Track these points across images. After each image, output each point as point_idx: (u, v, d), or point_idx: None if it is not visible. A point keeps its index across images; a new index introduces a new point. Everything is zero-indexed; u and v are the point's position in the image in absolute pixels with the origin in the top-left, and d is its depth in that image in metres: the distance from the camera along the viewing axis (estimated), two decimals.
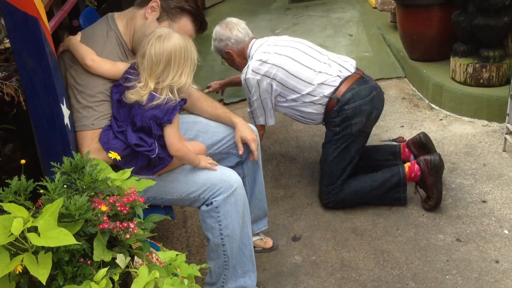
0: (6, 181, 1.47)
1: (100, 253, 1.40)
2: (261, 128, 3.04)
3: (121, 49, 2.18)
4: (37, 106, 1.79)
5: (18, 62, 1.73)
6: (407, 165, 2.97)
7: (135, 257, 1.57)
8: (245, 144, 2.50)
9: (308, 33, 5.53)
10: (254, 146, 2.43)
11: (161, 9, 2.19)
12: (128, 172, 1.64)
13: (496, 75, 3.68)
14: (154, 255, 1.85)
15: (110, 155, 1.74)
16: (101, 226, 1.41)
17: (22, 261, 1.27)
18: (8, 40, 2.05)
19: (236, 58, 3.05)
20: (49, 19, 2.23)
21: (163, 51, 1.99)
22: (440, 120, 3.79)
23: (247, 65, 2.94)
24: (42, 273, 1.25)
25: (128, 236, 1.45)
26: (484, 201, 2.94)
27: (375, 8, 5.65)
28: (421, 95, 4.16)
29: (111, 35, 2.16)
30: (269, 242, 2.79)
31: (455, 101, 3.81)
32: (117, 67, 2.10)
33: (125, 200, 1.51)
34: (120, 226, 1.44)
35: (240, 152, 2.45)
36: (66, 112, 1.85)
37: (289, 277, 2.60)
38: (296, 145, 3.71)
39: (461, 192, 3.03)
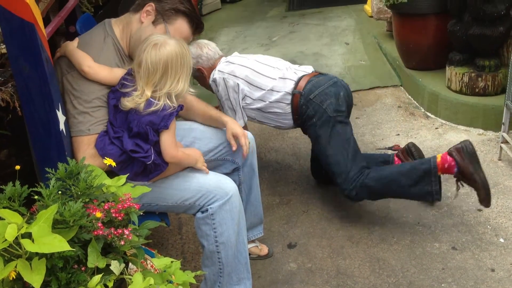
0: (1, 187, 1.46)
1: (94, 260, 1.39)
2: None
3: (118, 55, 2.18)
4: (32, 112, 1.78)
5: (14, 68, 1.73)
6: (439, 155, 2.79)
7: (130, 264, 1.56)
8: (240, 152, 2.50)
9: (304, 41, 5.55)
10: (244, 140, 2.43)
11: (156, 12, 2.19)
12: (123, 178, 1.64)
13: (492, 84, 3.69)
14: (149, 262, 1.84)
15: (105, 161, 1.73)
16: (95, 233, 1.41)
17: (16, 267, 1.26)
18: (4, 46, 2.05)
19: (206, 75, 3.08)
20: (45, 25, 2.24)
21: (159, 59, 1.99)
22: (436, 128, 3.80)
23: (213, 72, 3.01)
24: (36, 279, 1.24)
25: (122, 242, 1.44)
26: (479, 210, 2.94)
27: (371, 17, 5.68)
28: (417, 104, 4.17)
29: (108, 41, 2.17)
30: (264, 249, 2.78)
31: (450, 109, 3.82)
32: (114, 73, 2.10)
33: (120, 206, 1.50)
34: (115, 232, 1.43)
35: (234, 148, 2.45)
36: (61, 118, 1.85)
37: (285, 285, 2.59)
38: (292, 152, 3.71)
39: (456, 200, 3.03)
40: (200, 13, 6.79)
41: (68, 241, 1.30)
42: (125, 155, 2.04)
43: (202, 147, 2.42)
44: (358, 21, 5.90)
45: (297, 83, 2.92)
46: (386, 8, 4.58)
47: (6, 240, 1.25)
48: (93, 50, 2.10)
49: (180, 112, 2.41)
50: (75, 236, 1.37)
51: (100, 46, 2.14)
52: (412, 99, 4.25)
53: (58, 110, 1.82)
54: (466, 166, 2.70)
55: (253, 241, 2.75)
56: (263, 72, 2.99)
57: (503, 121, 3.26)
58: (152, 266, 1.80)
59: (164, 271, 1.55)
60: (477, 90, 3.72)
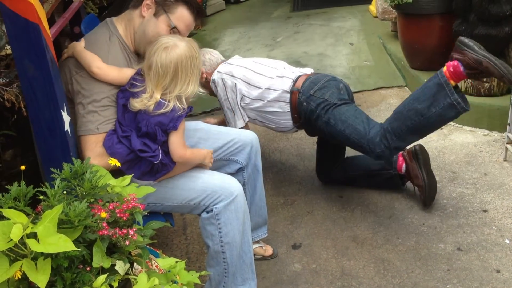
0: (6, 187, 1.46)
1: (99, 260, 1.39)
2: None
3: (124, 53, 2.19)
4: (37, 112, 1.78)
5: (19, 68, 1.73)
6: (444, 67, 2.57)
7: (135, 264, 1.56)
8: (244, 152, 2.51)
9: (309, 41, 5.55)
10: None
11: (156, 5, 2.19)
12: (128, 178, 1.64)
13: (497, 85, 3.68)
14: (153, 262, 1.84)
15: (110, 161, 1.73)
16: (100, 233, 1.41)
17: (21, 267, 1.26)
18: (9, 47, 2.06)
19: (209, 80, 3.10)
20: (50, 26, 2.24)
21: (169, 62, 1.99)
22: (441, 129, 3.79)
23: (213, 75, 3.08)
24: (41, 279, 1.25)
25: (127, 242, 1.44)
26: (485, 211, 2.93)
27: (376, 17, 5.67)
28: None
29: (113, 40, 2.17)
30: (269, 250, 2.78)
31: None
32: (123, 74, 2.10)
33: (124, 206, 1.50)
34: (120, 232, 1.43)
35: None
36: (66, 118, 1.85)
37: (289, 285, 2.59)
38: (297, 153, 3.71)
39: (462, 201, 3.02)
40: (205, 14, 6.80)
41: (73, 241, 1.30)
42: (133, 154, 2.04)
43: (206, 148, 2.42)
44: (363, 22, 5.89)
45: (295, 81, 2.94)
46: (391, 9, 4.58)
47: (11, 240, 1.25)
48: (101, 51, 2.11)
49: None
50: (80, 236, 1.38)
51: (106, 45, 2.14)
52: None
53: (63, 111, 1.82)
54: (471, 57, 2.48)
55: (257, 242, 2.75)
56: (260, 71, 3.01)
57: (508, 121, 3.25)
58: (157, 266, 1.81)
59: (169, 271, 1.55)
60: (482, 90, 3.71)
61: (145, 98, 2.01)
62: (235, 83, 2.97)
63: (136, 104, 2.01)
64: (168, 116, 2.01)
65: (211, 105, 4.47)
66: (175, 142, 2.06)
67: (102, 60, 2.07)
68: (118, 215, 1.48)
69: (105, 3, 3.03)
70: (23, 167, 1.57)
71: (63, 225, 1.36)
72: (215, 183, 2.19)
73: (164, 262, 1.57)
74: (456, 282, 2.49)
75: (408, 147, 2.94)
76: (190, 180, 2.19)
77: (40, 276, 1.25)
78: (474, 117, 3.71)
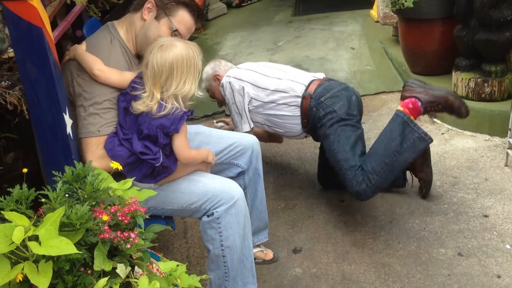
0: (8, 189, 1.47)
1: (100, 263, 1.40)
2: None
3: (125, 56, 2.20)
4: (39, 115, 1.79)
5: (21, 71, 1.74)
6: (398, 106, 2.85)
7: (136, 267, 1.56)
8: (245, 156, 2.52)
9: (310, 46, 5.56)
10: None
11: (157, 8, 2.20)
12: (129, 182, 1.64)
13: (498, 90, 3.68)
14: (154, 265, 1.84)
15: (112, 164, 1.74)
16: (102, 236, 1.41)
17: (22, 269, 1.26)
18: (11, 50, 2.06)
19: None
20: (53, 29, 2.25)
21: (165, 61, 2.00)
22: (442, 134, 3.80)
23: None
24: (42, 282, 1.25)
25: (128, 246, 1.44)
26: (486, 216, 2.93)
27: (377, 22, 5.68)
28: None
29: (114, 43, 2.18)
30: (269, 254, 2.78)
31: None
32: (124, 77, 2.11)
33: (126, 210, 1.50)
34: (121, 235, 1.43)
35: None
36: (68, 121, 1.86)
37: None
38: (298, 157, 3.71)
39: (462, 206, 3.02)
40: (206, 18, 6.82)
41: (74, 244, 1.30)
42: (134, 157, 2.05)
43: None
44: (364, 26, 5.90)
45: (307, 86, 2.93)
46: (392, 13, 4.59)
47: (13, 242, 1.25)
48: (102, 54, 2.12)
49: None
50: (81, 239, 1.38)
51: (108, 48, 2.15)
52: None
53: (65, 114, 1.83)
54: (429, 93, 2.81)
55: (258, 246, 2.75)
56: (268, 73, 3.02)
57: (509, 126, 3.25)
58: (157, 270, 1.80)
59: (170, 274, 1.55)
60: (483, 95, 3.72)
61: (146, 98, 2.02)
62: (243, 86, 2.97)
63: (139, 106, 2.02)
64: (170, 119, 2.01)
65: (212, 108, 4.47)
66: (179, 144, 2.07)
67: (103, 63, 2.08)
68: (120, 218, 1.48)
69: (107, 7, 3.03)
70: (25, 170, 1.57)
71: (64, 228, 1.36)
72: (216, 187, 2.19)
73: (165, 266, 1.57)
74: (456, 287, 2.49)
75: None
76: (191, 183, 2.20)
77: (42, 279, 1.25)
78: (475, 122, 3.72)
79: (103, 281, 1.37)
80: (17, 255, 1.29)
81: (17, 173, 2.31)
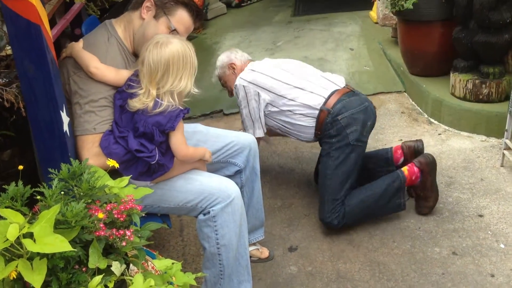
0: (3, 186, 1.47)
1: (95, 260, 1.40)
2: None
3: (122, 54, 2.20)
4: (36, 112, 1.79)
5: (19, 68, 1.74)
6: (405, 168, 2.94)
7: (131, 265, 1.57)
8: (243, 155, 2.53)
9: (309, 46, 5.56)
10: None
11: (156, 7, 2.21)
12: (126, 180, 1.64)
13: (496, 91, 3.69)
14: (150, 263, 1.85)
15: (108, 162, 1.74)
16: (97, 233, 1.41)
17: (16, 267, 1.26)
18: (9, 47, 2.07)
19: (238, 73, 3.08)
20: (51, 27, 2.25)
21: (160, 58, 2.00)
22: (439, 134, 3.81)
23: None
24: (36, 279, 1.24)
25: (124, 243, 1.44)
26: (480, 215, 2.94)
27: (377, 23, 5.69)
28: (420, 110, 4.17)
29: (112, 41, 2.18)
30: (265, 252, 2.79)
31: (454, 116, 3.82)
32: (120, 75, 2.12)
33: (122, 207, 1.50)
34: (117, 233, 1.44)
35: None
36: (65, 119, 1.86)
37: None
38: (295, 156, 3.72)
39: (458, 206, 3.03)
40: (206, 18, 6.81)
41: (69, 242, 1.30)
42: (129, 155, 2.05)
43: None
44: (363, 27, 5.90)
45: (327, 99, 2.86)
46: (392, 15, 4.59)
47: (7, 239, 1.25)
48: (99, 51, 2.12)
49: None
50: (76, 236, 1.38)
51: (105, 46, 2.16)
52: (416, 105, 4.26)
53: (62, 111, 1.83)
54: (428, 178, 2.93)
55: (254, 244, 2.76)
56: (288, 81, 2.94)
57: (506, 127, 3.26)
58: (153, 268, 1.81)
59: (165, 272, 1.55)
60: (481, 97, 3.73)
61: (142, 95, 2.02)
62: (258, 92, 2.92)
63: (136, 103, 2.02)
64: (166, 116, 2.02)
65: (210, 108, 4.48)
66: (177, 142, 2.07)
67: (100, 60, 2.09)
68: (115, 216, 1.48)
69: (106, 5, 3.04)
70: (21, 167, 1.57)
71: (60, 226, 1.36)
72: (212, 185, 2.20)
73: (160, 263, 1.57)
74: (450, 286, 2.50)
75: (423, 159, 2.94)
76: (188, 182, 2.21)
77: (36, 276, 1.25)
78: (472, 122, 3.73)
79: (98, 278, 1.37)
80: (11, 253, 1.28)
81: (13, 170, 2.31)
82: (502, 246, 2.71)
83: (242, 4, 7.44)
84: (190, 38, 2.31)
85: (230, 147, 2.54)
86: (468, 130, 3.77)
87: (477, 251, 2.70)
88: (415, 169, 2.93)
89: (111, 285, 1.41)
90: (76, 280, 1.36)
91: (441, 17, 3.97)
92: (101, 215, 1.43)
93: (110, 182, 1.62)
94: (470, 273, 2.56)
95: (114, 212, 1.48)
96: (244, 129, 3.06)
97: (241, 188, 2.54)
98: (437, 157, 3.48)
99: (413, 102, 4.30)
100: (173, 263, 1.58)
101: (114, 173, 1.76)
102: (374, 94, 4.45)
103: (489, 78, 3.69)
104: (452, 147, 3.62)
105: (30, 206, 1.47)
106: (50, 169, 1.56)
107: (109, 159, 1.81)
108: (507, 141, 3.27)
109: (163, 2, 2.22)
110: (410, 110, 4.19)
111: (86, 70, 2.07)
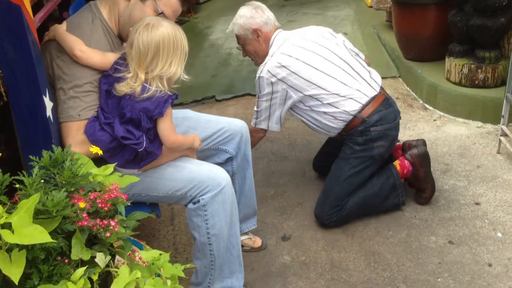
0: None
1: (78, 252, 1.34)
2: (261, 132, 2.85)
3: (107, 37, 2.12)
4: (18, 97, 1.71)
5: None
6: (396, 162, 2.90)
7: (117, 256, 1.51)
8: (234, 141, 2.47)
9: None
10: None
11: None
12: (111, 167, 1.58)
13: (492, 76, 3.64)
14: (137, 254, 1.79)
15: (91, 149, 1.67)
16: (80, 224, 1.35)
17: None
18: None
19: (261, 41, 2.79)
20: (38, 10, 2.17)
21: (151, 40, 1.92)
22: (434, 120, 3.75)
23: (264, 62, 2.69)
24: (14, 272, 1.18)
25: (108, 234, 1.38)
26: (477, 203, 2.89)
27: (371, 7, 5.62)
28: (415, 95, 4.12)
29: (96, 23, 2.10)
30: (258, 242, 2.74)
31: (449, 101, 3.77)
32: (106, 58, 2.04)
33: (106, 196, 1.44)
34: (100, 223, 1.38)
35: None
36: (49, 104, 1.79)
37: (278, 278, 2.55)
38: (288, 143, 3.66)
39: (454, 193, 2.98)
40: (198, 1, 6.73)
41: (51, 232, 1.25)
42: (115, 142, 1.98)
43: None
44: (357, 11, 5.84)
45: (363, 107, 2.71)
46: None
47: None
48: (83, 33, 2.04)
49: None
50: (58, 227, 1.32)
51: (89, 28, 2.08)
52: (411, 90, 4.20)
53: (45, 96, 1.75)
54: (420, 170, 2.89)
55: (246, 233, 2.71)
56: (322, 84, 2.69)
57: (502, 113, 3.21)
58: (140, 259, 1.75)
59: (152, 263, 1.49)
60: (476, 82, 3.67)
61: (130, 79, 1.95)
62: (287, 91, 2.67)
63: (123, 88, 1.94)
64: (154, 102, 1.94)
65: (201, 94, 4.41)
66: (165, 128, 2.00)
67: (84, 43, 2.01)
68: (99, 205, 1.42)
69: None
70: (0, 154, 1.50)
71: (40, 216, 1.30)
72: (202, 173, 2.13)
73: (147, 254, 1.52)
74: (447, 276, 2.45)
75: (414, 152, 2.89)
76: (177, 170, 2.14)
77: (14, 269, 1.19)
78: (467, 109, 3.68)
79: (81, 270, 1.31)
80: None
81: None
82: (499, 234, 2.67)
83: None
84: (181, 22, 2.24)
85: (221, 134, 2.48)
86: (463, 116, 3.72)
87: (474, 240, 2.65)
88: (406, 162, 2.89)
89: (95, 277, 1.35)
90: (58, 273, 1.30)
91: (436, 0, 3.92)
92: (82, 205, 1.37)
93: (94, 170, 1.56)
94: (467, 262, 2.52)
95: (98, 201, 1.42)
96: (256, 120, 2.81)
97: (232, 176, 2.49)
98: (433, 143, 3.44)
99: (408, 88, 4.25)
100: (160, 254, 1.52)
101: (100, 161, 1.69)
102: None
103: (485, 63, 3.64)
104: (447, 134, 3.56)
105: (11, 195, 1.41)
106: (30, 156, 1.49)
107: (93, 146, 1.74)
108: (504, 127, 3.22)
109: None
110: (405, 96, 4.14)
111: (70, 54, 1.99)
